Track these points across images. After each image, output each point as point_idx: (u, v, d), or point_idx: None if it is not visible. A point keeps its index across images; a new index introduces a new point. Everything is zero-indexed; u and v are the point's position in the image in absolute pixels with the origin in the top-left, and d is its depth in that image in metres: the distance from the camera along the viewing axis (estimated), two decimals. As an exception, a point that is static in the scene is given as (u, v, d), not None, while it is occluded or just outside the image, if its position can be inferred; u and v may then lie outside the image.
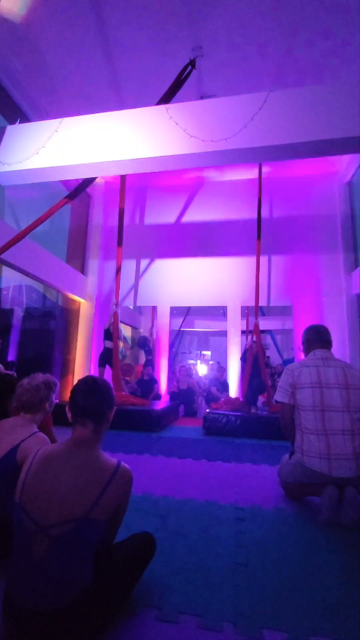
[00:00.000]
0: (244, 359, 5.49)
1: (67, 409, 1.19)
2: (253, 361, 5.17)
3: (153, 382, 6.15)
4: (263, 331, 6.13)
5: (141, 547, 1.24)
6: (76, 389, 1.18)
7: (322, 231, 6.29)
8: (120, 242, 5.79)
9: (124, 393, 5.21)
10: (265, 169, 6.05)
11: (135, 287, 6.84)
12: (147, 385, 6.05)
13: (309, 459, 1.95)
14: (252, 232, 5.92)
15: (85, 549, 1.00)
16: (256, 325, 5.34)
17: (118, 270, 5.80)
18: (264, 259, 5.97)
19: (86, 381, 1.19)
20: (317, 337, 2.23)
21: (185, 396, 6.15)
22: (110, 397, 1.21)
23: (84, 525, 0.99)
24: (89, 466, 1.07)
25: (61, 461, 1.08)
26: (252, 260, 6.03)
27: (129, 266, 6.88)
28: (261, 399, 5.55)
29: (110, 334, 5.47)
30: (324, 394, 1.99)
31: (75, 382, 1.25)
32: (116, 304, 5.59)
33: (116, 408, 1.26)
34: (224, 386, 6.20)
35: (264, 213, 6.03)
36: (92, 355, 6.62)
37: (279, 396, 2.16)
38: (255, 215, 5.87)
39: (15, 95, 4.97)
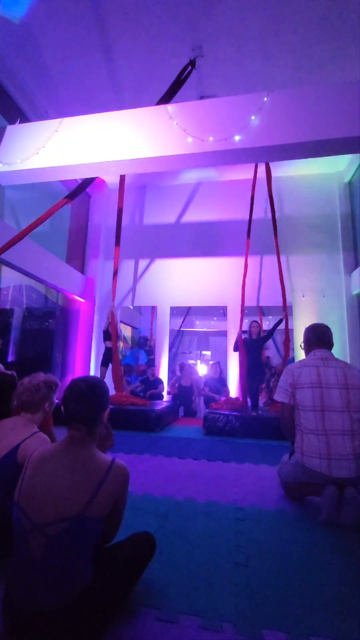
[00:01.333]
0: (236, 347, 5.44)
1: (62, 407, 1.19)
2: (251, 361, 5.10)
3: (158, 382, 6.15)
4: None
5: (141, 547, 1.24)
6: (67, 394, 1.16)
7: (322, 231, 6.28)
8: (118, 242, 5.79)
9: (124, 393, 5.21)
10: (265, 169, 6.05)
11: (135, 287, 6.84)
12: (153, 386, 6.05)
13: (309, 459, 1.95)
14: (253, 232, 5.91)
15: (83, 547, 1.01)
16: (286, 316, 5.45)
17: (115, 271, 5.78)
18: (264, 259, 5.97)
19: (76, 386, 1.16)
20: (318, 337, 2.22)
21: (185, 395, 6.14)
22: (102, 401, 1.19)
23: (81, 523, 0.99)
24: (84, 464, 1.08)
25: (56, 460, 1.09)
26: (252, 260, 6.02)
27: (129, 266, 6.88)
28: (261, 399, 5.54)
29: (109, 335, 5.48)
30: (323, 394, 1.99)
31: None
32: (113, 304, 5.59)
33: (111, 408, 1.24)
34: (222, 382, 6.19)
35: (264, 213, 6.03)
36: (92, 355, 6.62)
37: (278, 396, 2.16)
38: (256, 215, 5.87)
39: (15, 95, 4.97)
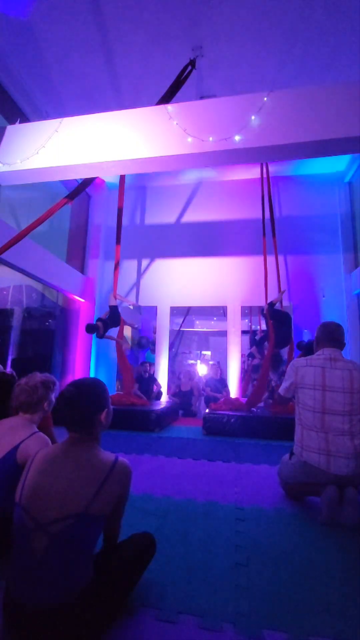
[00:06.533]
0: (259, 342, 5.32)
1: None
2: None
3: (152, 380, 6.14)
4: (263, 331, 6.12)
5: (141, 547, 1.24)
6: (59, 399, 1.16)
7: (322, 231, 6.28)
8: (118, 240, 5.78)
9: (134, 394, 5.19)
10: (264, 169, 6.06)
11: (135, 286, 6.84)
12: (147, 384, 6.04)
13: (308, 453, 1.95)
14: (252, 232, 5.92)
15: (85, 545, 1.01)
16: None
17: (116, 267, 5.72)
18: (263, 259, 5.97)
19: (67, 391, 1.15)
20: (328, 336, 2.14)
21: (184, 398, 6.14)
22: (97, 402, 1.16)
23: (83, 521, 0.99)
24: (87, 463, 1.08)
25: (59, 460, 1.09)
26: (252, 260, 6.03)
27: (129, 266, 6.88)
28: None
29: (113, 320, 5.30)
30: (326, 397, 1.96)
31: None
32: (116, 297, 5.55)
33: (111, 408, 1.23)
34: (222, 383, 6.19)
35: (260, 213, 6.01)
36: (92, 355, 6.61)
37: (282, 390, 2.22)
38: (256, 215, 5.87)
39: (15, 95, 4.97)
